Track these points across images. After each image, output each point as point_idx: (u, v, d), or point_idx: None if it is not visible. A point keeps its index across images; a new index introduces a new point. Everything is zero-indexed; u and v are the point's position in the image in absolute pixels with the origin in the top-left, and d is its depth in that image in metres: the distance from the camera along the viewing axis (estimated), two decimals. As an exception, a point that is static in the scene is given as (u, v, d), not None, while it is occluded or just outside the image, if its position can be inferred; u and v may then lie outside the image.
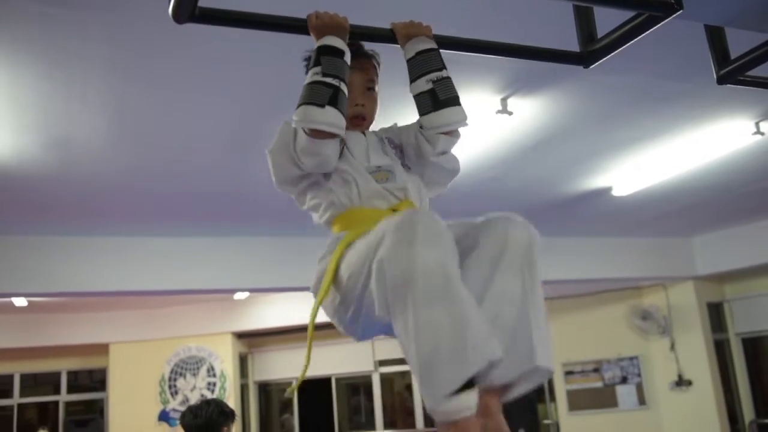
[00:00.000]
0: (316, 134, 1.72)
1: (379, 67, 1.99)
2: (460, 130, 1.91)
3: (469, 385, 1.36)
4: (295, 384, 1.70)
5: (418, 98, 1.87)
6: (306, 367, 1.67)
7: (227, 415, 3.54)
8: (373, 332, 1.73)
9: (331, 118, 1.70)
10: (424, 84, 1.85)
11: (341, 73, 1.74)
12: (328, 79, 1.71)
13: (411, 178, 1.88)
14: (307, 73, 1.88)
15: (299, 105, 1.73)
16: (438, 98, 1.84)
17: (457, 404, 1.35)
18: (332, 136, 1.73)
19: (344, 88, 1.74)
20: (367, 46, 1.96)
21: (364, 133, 1.94)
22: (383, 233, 1.50)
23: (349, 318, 1.69)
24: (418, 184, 1.89)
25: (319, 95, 1.71)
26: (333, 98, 1.71)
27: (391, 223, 1.50)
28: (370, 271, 1.51)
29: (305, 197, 1.89)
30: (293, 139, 1.77)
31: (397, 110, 2.74)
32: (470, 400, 1.36)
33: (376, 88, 1.98)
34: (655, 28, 1.77)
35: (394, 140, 1.97)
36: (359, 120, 1.93)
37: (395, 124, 2.04)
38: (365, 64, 1.94)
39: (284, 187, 1.89)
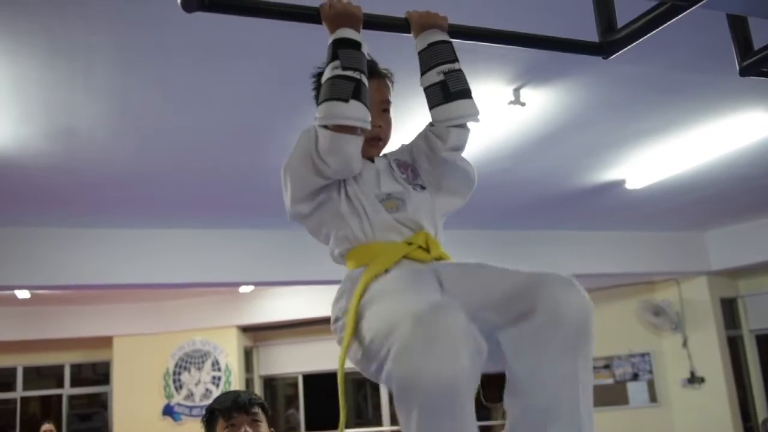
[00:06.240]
0: (342, 130, 1.65)
1: (392, 86, 1.95)
2: (471, 124, 1.86)
3: None
4: None
5: (429, 90, 1.83)
6: (343, 423, 1.60)
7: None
8: None
9: (356, 112, 1.64)
10: (435, 76, 1.81)
11: (361, 65, 1.69)
12: (349, 72, 1.66)
13: (423, 201, 1.82)
14: (316, 88, 1.85)
15: (321, 102, 1.66)
16: (449, 90, 1.80)
17: None
18: (356, 131, 1.67)
19: (365, 80, 1.68)
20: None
21: (373, 160, 1.88)
22: (401, 320, 1.39)
23: (373, 370, 1.61)
24: (431, 207, 1.83)
25: (341, 90, 1.64)
26: (356, 91, 1.65)
27: (411, 311, 1.39)
28: (388, 353, 1.42)
29: (318, 224, 1.82)
30: (315, 142, 1.69)
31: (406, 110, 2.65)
32: None
33: (391, 109, 1.93)
34: (678, 17, 1.71)
35: (405, 160, 1.92)
36: (375, 141, 1.87)
37: (402, 145, 1.99)
38: (380, 84, 1.88)
39: (300, 207, 1.79)
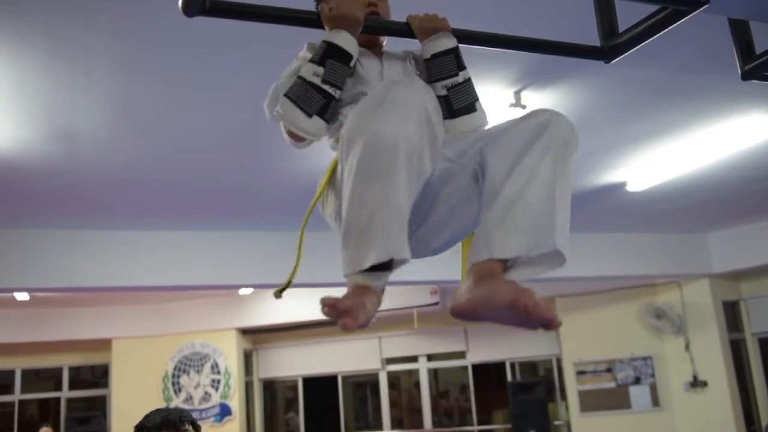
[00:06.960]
0: (294, 136, 1.74)
1: None
2: None
3: (382, 267, 1.36)
4: (282, 285, 1.69)
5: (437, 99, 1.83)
6: (296, 267, 1.69)
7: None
8: None
9: (313, 128, 1.69)
10: (439, 89, 1.82)
11: (341, 82, 1.71)
12: (326, 87, 1.68)
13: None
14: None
15: (288, 97, 1.69)
16: (452, 107, 1.81)
17: (363, 280, 1.37)
18: (306, 140, 1.76)
19: (338, 95, 1.72)
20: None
21: (381, 56, 1.88)
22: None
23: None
24: None
25: (310, 102, 1.68)
26: (324, 108, 1.69)
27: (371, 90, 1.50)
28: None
29: None
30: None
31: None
32: (378, 280, 1.38)
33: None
34: (680, 22, 1.72)
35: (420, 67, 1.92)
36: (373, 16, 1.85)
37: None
38: None
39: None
